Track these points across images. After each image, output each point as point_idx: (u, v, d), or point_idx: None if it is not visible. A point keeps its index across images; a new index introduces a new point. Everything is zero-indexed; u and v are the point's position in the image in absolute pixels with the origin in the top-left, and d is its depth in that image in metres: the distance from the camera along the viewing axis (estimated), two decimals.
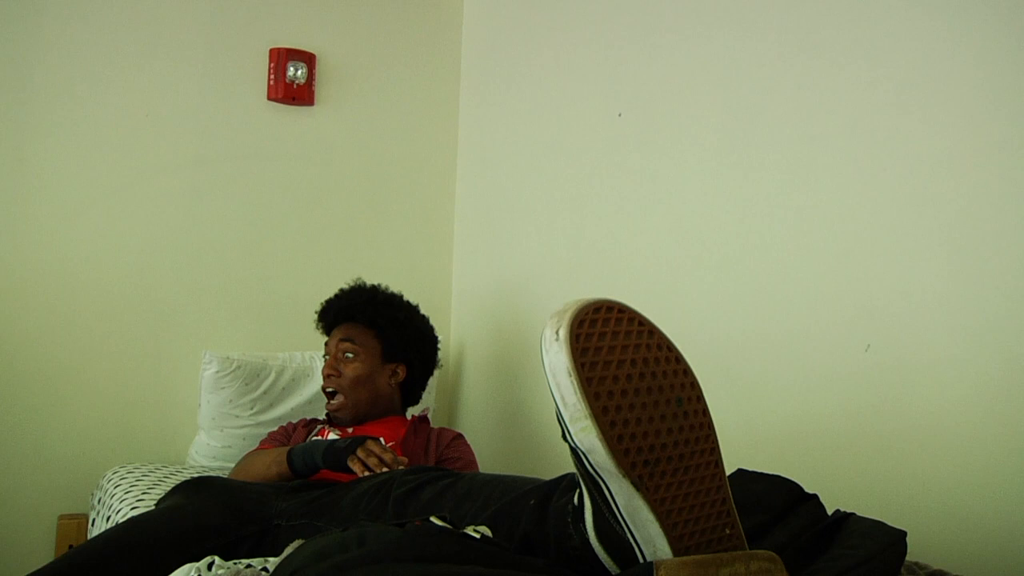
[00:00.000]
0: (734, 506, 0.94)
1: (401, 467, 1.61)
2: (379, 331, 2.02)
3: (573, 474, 1.03)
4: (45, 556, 2.15)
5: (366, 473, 1.60)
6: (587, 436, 0.82)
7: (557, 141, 2.30)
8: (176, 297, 2.37)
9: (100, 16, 2.29)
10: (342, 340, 2.00)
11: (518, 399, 2.40)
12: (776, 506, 1.08)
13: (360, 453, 1.63)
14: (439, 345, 2.17)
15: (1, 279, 2.19)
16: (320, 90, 2.51)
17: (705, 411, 0.94)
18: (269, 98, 2.45)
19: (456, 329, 2.71)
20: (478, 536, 0.99)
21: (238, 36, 2.43)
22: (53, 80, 2.24)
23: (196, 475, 1.78)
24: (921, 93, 1.43)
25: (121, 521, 1.69)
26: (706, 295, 1.82)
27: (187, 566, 1.20)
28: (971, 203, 1.35)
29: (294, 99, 2.46)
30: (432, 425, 2.10)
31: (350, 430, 1.99)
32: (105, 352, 2.29)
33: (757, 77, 1.74)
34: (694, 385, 0.94)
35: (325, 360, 2.03)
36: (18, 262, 2.20)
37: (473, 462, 2.01)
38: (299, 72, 2.45)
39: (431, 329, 2.15)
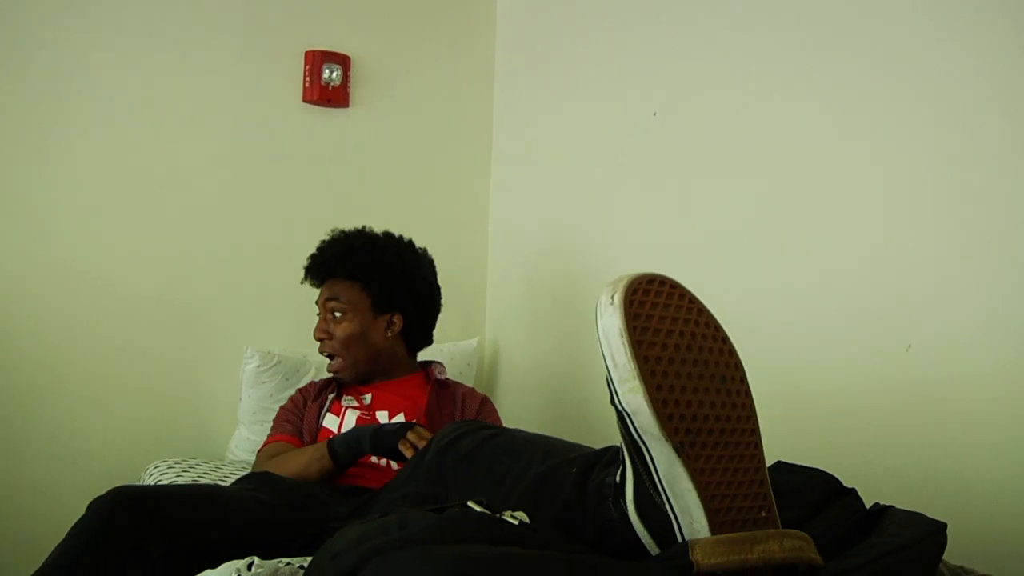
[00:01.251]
0: (771, 491, 0.95)
1: None
2: (364, 283, 1.90)
3: (616, 448, 1.04)
4: None
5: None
6: (634, 397, 0.84)
7: (591, 141, 2.32)
8: (214, 296, 2.41)
9: (138, 20, 2.34)
10: (328, 299, 1.90)
11: (555, 395, 2.42)
12: (813, 500, 1.09)
13: (411, 436, 1.62)
14: (436, 284, 2.04)
15: (42, 282, 2.24)
16: (355, 92, 2.55)
17: (748, 392, 0.96)
18: (304, 100, 2.49)
19: (491, 329, 2.73)
20: (516, 523, 1.00)
21: (274, 39, 2.48)
22: (92, 83, 2.29)
23: (255, 472, 1.77)
24: (962, 93, 1.43)
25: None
26: (745, 294, 1.83)
27: (228, 565, 1.21)
28: (1015, 203, 1.35)
29: (329, 101, 2.50)
30: (449, 380, 2.03)
31: (367, 398, 1.92)
32: (145, 350, 2.33)
33: (793, 76, 1.75)
34: (738, 366, 0.96)
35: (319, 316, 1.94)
36: (58, 265, 2.25)
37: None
38: (334, 74, 2.49)
39: (424, 265, 2.01)
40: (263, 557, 1.22)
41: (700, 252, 1.96)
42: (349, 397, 1.93)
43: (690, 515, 0.89)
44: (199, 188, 2.40)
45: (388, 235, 2.00)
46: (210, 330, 2.40)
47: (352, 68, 2.54)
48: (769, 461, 1.17)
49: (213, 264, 2.41)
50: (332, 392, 1.95)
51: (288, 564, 1.22)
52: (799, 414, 1.69)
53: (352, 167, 2.58)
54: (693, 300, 0.93)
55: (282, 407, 2.00)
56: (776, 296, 1.76)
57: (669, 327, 0.87)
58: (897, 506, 1.11)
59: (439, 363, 2.06)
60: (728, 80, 1.90)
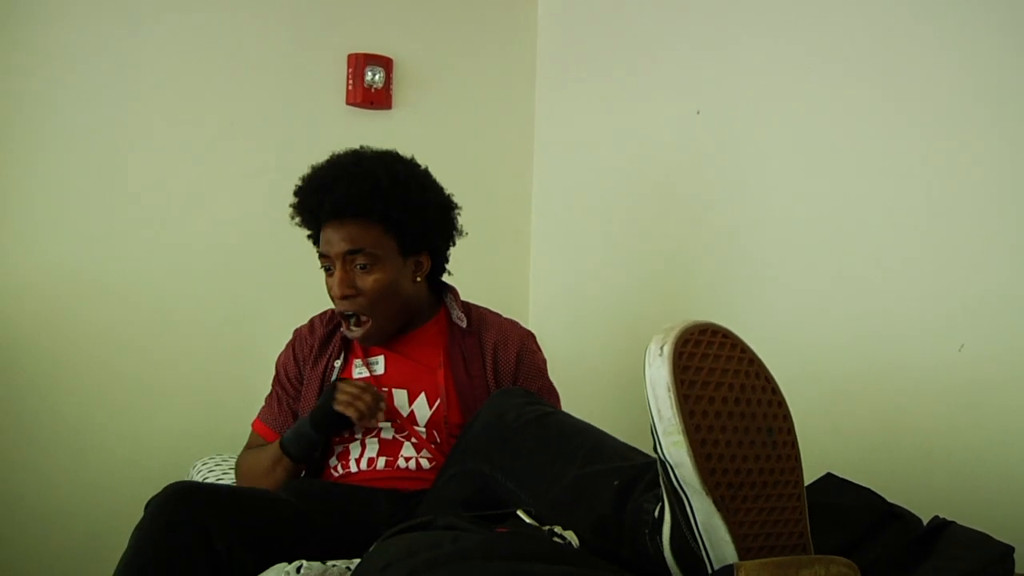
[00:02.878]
0: (811, 539, 0.95)
1: (383, 403, 1.51)
2: (391, 225, 1.59)
3: (658, 466, 1.03)
4: None
5: (366, 418, 1.49)
6: (677, 450, 0.86)
7: (634, 140, 2.30)
8: (260, 295, 2.45)
9: (183, 25, 2.37)
10: (350, 252, 1.57)
11: (599, 393, 2.42)
12: (862, 525, 1.08)
13: (340, 396, 1.50)
14: (454, 203, 1.76)
15: (96, 289, 2.29)
16: (397, 94, 2.57)
17: (794, 444, 0.96)
18: (348, 103, 2.51)
19: (534, 328, 2.74)
20: (566, 541, 1.02)
21: (317, 43, 2.50)
22: (139, 90, 2.33)
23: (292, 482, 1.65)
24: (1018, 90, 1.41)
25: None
26: (792, 293, 1.81)
27: (276, 568, 1.25)
28: None
29: (372, 103, 2.52)
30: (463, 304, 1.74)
31: (379, 364, 1.66)
32: (193, 348, 2.38)
33: (841, 73, 1.72)
34: (787, 418, 0.96)
35: (328, 273, 1.62)
36: (112, 266, 2.31)
37: (552, 390, 1.73)
38: (376, 76, 2.51)
39: (440, 191, 1.73)
40: (311, 558, 1.24)
41: (742, 250, 1.95)
42: (359, 362, 1.67)
43: (726, 563, 0.91)
44: (244, 192, 2.43)
45: (396, 158, 1.68)
46: (256, 328, 2.44)
47: (394, 70, 2.55)
48: (817, 467, 1.17)
49: (258, 265, 2.45)
50: (337, 358, 1.69)
51: (335, 566, 1.24)
52: (845, 422, 1.67)
53: None
54: (745, 350, 0.94)
55: (275, 376, 1.78)
56: (823, 296, 1.75)
57: (718, 379, 0.89)
58: (955, 521, 1.09)
59: (451, 291, 1.76)
60: (774, 76, 1.88)
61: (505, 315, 1.82)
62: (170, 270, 2.37)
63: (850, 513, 1.09)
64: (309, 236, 1.72)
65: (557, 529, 1.03)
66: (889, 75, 1.62)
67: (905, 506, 1.14)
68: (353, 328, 1.62)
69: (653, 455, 0.95)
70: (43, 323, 2.24)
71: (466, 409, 1.61)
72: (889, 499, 1.14)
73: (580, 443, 1.23)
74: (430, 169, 2.57)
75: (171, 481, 2.28)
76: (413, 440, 1.61)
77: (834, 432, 1.67)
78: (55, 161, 2.26)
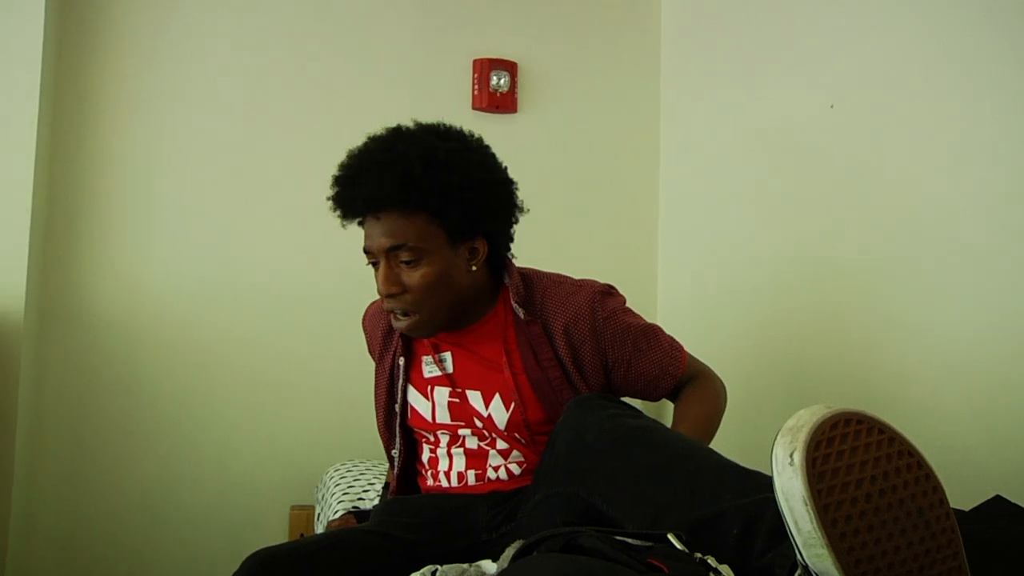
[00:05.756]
0: None
1: None
2: (434, 213, 1.39)
3: (775, 509, 0.91)
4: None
5: None
6: (822, 563, 0.79)
7: (764, 135, 2.24)
8: None
9: (311, 34, 2.43)
10: (392, 248, 1.39)
11: (731, 417, 2.36)
12: None
13: None
14: (509, 178, 1.52)
15: (241, 303, 2.39)
16: (522, 97, 2.54)
17: (948, 515, 0.88)
18: (474, 108, 2.50)
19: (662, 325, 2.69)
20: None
21: (442, 49, 2.50)
22: (268, 99, 2.40)
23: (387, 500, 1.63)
24: None
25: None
26: (929, 293, 1.72)
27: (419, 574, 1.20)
28: None
29: (498, 107, 2.50)
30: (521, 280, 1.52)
31: (447, 360, 1.53)
32: (327, 354, 2.45)
33: (984, 67, 1.60)
34: (936, 489, 0.88)
35: (376, 268, 1.44)
36: (249, 275, 2.40)
37: (645, 331, 1.52)
38: (502, 81, 2.48)
39: (492, 158, 1.50)
40: None
41: (879, 248, 1.86)
42: (428, 359, 1.54)
43: None
44: None
45: (437, 134, 1.47)
46: None
47: (519, 74, 2.52)
48: (980, 497, 1.08)
49: None
50: (401, 355, 1.56)
51: (473, 566, 1.19)
52: (1005, 434, 1.56)
53: (521, 172, 2.52)
54: (883, 430, 0.86)
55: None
56: (974, 298, 1.64)
57: (859, 475, 0.82)
58: None
59: (510, 269, 1.53)
60: (911, 69, 1.78)
61: (632, 305, 1.57)
62: (303, 275, 2.44)
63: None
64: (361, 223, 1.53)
65: (711, 561, 0.95)
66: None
67: None
68: (400, 318, 1.45)
69: (765, 484, 0.86)
70: (188, 330, 2.35)
71: (547, 404, 1.47)
72: None
73: (678, 470, 1.13)
74: (556, 169, 2.59)
75: (306, 484, 2.41)
76: (498, 447, 1.51)
77: (993, 444, 1.55)
78: (195, 174, 2.36)
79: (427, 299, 1.41)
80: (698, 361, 1.61)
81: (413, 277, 1.40)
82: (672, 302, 2.67)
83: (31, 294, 2.16)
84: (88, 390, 2.28)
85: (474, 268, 1.45)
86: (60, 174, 2.26)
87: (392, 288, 1.40)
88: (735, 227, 2.36)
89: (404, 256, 1.39)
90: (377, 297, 1.55)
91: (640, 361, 1.50)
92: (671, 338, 1.57)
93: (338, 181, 1.47)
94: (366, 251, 1.44)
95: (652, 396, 1.57)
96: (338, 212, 1.47)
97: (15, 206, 2.10)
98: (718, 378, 1.60)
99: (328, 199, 1.48)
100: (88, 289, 2.28)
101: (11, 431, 2.12)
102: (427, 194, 1.37)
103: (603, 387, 1.51)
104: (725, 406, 1.57)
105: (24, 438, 2.18)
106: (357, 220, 1.46)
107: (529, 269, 1.57)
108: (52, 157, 2.25)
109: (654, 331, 1.55)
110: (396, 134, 1.47)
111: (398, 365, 1.55)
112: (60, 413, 2.27)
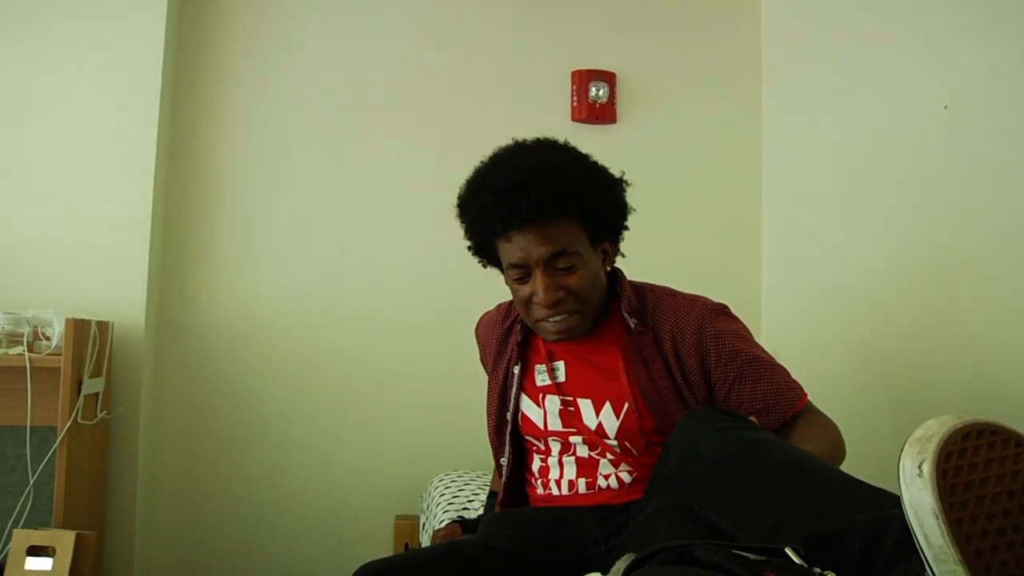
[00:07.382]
0: None
1: None
2: (586, 217, 1.43)
3: (901, 523, 0.88)
4: (385, 552, 2.38)
5: None
6: None
7: (872, 139, 2.17)
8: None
9: (411, 49, 2.49)
10: (552, 256, 1.40)
11: (833, 408, 2.28)
12: None
13: None
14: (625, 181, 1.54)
15: (341, 307, 2.45)
16: (621, 108, 2.53)
17: None
18: (573, 119, 2.51)
19: (767, 341, 2.62)
20: None
21: (541, 61, 2.52)
22: (371, 112, 2.46)
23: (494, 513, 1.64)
24: None
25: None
26: None
27: None
28: None
29: (597, 118, 2.49)
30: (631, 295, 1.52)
31: (560, 369, 1.53)
32: (430, 365, 2.48)
33: None
34: None
35: (521, 282, 1.44)
36: (356, 291, 2.46)
37: (756, 361, 1.47)
38: (600, 92, 2.47)
39: (605, 167, 1.52)
40: None
41: (995, 251, 1.79)
42: (541, 367, 1.55)
43: None
44: None
45: (562, 146, 1.52)
46: None
47: (618, 85, 2.51)
48: None
49: (487, 284, 2.49)
50: (516, 363, 1.57)
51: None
52: None
53: None
54: (1020, 443, 0.82)
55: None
56: None
57: (994, 489, 0.77)
58: None
59: (620, 279, 1.55)
60: None
61: (737, 312, 1.55)
62: (404, 290, 2.48)
63: None
64: (470, 248, 1.55)
65: (829, 575, 0.92)
66: None
67: None
68: (557, 321, 1.44)
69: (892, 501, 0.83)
70: (296, 343, 2.42)
71: (657, 414, 1.46)
72: None
73: (797, 483, 1.10)
74: (657, 180, 2.56)
75: (411, 494, 2.43)
76: (609, 456, 1.51)
77: None
78: (305, 190, 2.43)
79: (588, 298, 1.44)
80: (820, 412, 1.51)
81: (571, 280, 1.42)
82: (776, 312, 2.61)
83: (151, 307, 2.26)
84: (203, 400, 2.37)
85: (608, 269, 1.51)
86: (176, 193, 2.36)
87: (556, 294, 1.41)
88: (841, 233, 2.29)
89: (562, 263, 1.41)
90: (489, 308, 1.66)
91: (742, 390, 1.46)
92: (792, 380, 1.49)
93: (483, 196, 1.45)
94: (516, 265, 1.43)
95: None
96: (473, 230, 1.49)
97: (136, 224, 2.22)
98: (839, 430, 1.49)
99: (463, 219, 1.49)
100: (202, 303, 2.37)
101: (134, 439, 2.22)
102: (587, 198, 1.42)
103: (709, 400, 1.48)
104: (843, 456, 1.45)
105: (145, 446, 2.28)
106: (495, 237, 1.45)
107: (640, 282, 1.59)
108: (168, 178, 2.36)
109: (769, 366, 1.49)
110: (533, 147, 1.50)
111: (512, 373, 1.57)
112: (176, 423, 2.37)
